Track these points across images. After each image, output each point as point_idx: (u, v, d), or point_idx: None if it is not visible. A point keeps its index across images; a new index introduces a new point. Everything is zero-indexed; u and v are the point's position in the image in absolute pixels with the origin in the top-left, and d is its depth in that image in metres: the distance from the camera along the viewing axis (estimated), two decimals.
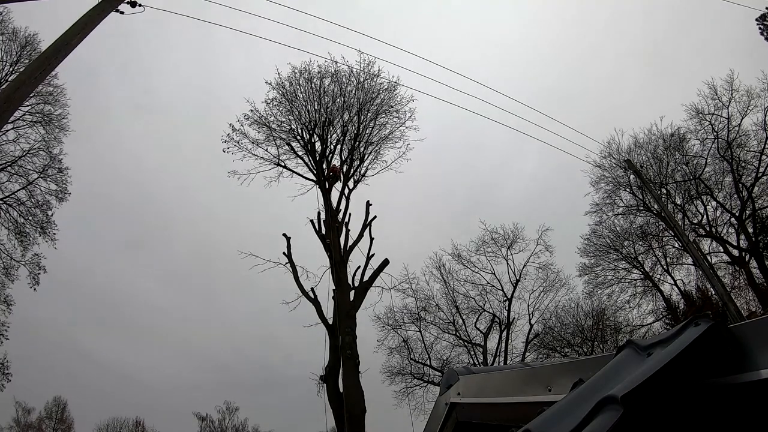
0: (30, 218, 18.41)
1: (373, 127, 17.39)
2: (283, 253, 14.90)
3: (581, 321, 24.56)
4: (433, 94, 18.30)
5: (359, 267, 14.49)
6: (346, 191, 16.25)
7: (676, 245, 23.16)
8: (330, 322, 13.52)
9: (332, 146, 17.16)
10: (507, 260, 23.93)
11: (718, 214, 23.16)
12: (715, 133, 21.69)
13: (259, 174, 16.95)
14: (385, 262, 14.50)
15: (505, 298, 23.55)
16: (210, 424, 37.43)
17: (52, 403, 35.54)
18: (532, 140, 17.45)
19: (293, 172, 17.06)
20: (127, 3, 8.22)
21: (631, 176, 22.21)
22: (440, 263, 24.72)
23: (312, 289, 14.07)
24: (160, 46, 61.46)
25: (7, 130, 17.35)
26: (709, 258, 22.13)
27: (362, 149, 17.25)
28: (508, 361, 21.63)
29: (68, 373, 41.35)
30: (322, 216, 15.33)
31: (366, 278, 14.29)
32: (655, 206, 22.02)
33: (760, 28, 20.57)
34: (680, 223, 21.61)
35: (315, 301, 13.86)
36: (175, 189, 56.58)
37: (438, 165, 52.83)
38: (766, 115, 20.63)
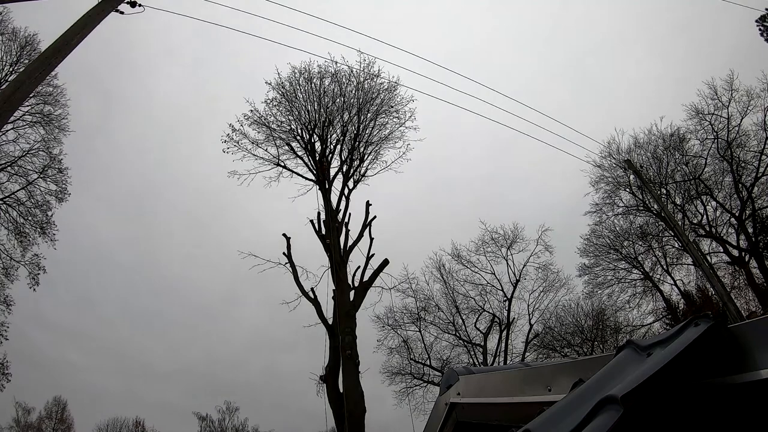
0: (30, 218, 18.41)
1: (373, 128, 17.40)
2: (283, 253, 14.90)
3: (581, 321, 24.60)
4: (433, 94, 18.33)
5: (359, 267, 14.50)
6: (346, 191, 16.26)
7: (676, 245, 23.17)
8: (330, 322, 13.51)
9: (332, 146, 17.16)
10: (507, 260, 23.98)
11: (718, 214, 23.19)
12: (715, 133, 21.70)
13: (259, 174, 16.97)
14: (385, 262, 14.50)
15: (505, 298, 23.58)
16: (210, 424, 37.40)
17: (52, 403, 35.55)
18: (531, 140, 17.43)
19: (293, 172, 17.06)
20: (127, 3, 8.21)
21: (631, 176, 22.22)
22: (440, 263, 24.79)
23: (312, 289, 14.07)
24: (158, 45, 61.32)
25: (7, 131, 17.36)
26: (709, 258, 22.15)
27: (362, 149, 17.25)
28: (508, 361, 21.63)
29: (68, 374, 41.39)
30: (322, 216, 15.32)
31: (366, 278, 14.29)
32: (655, 206, 22.02)
33: (760, 29, 20.58)
34: (680, 223, 21.61)
35: (315, 301, 13.85)
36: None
37: (440, 164, 52.90)
38: (766, 115, 20.65)
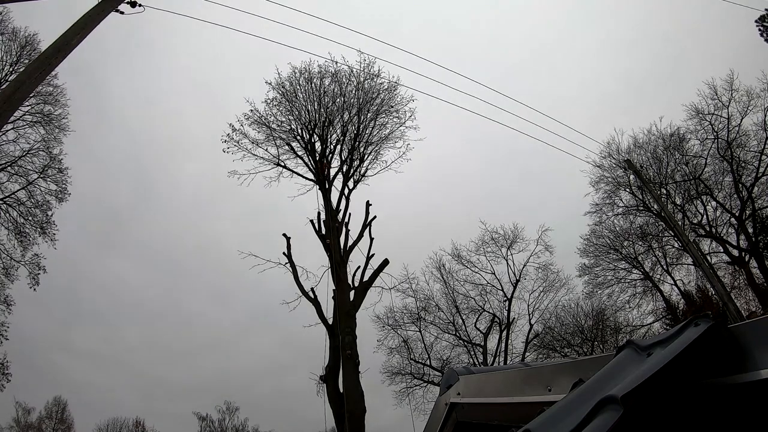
0: (30, 218, 18.42)
1: (373, 127, 17.39)
2: (283, 253, 14.90)
3: (581, 321, 24.60)
4: (433, 94, 18.33)
5: (359, 267, 14.50)
6: (346, 191, 16.26)
7: (676, 245, 23.17)
8: (330, 322, 13.51)
9: (332, 146, 17.15)
10: (507, 260, 23.97)
11: (718, 214, 23.20)
12: (715, 133, 21.70)
13: (259, 174, 16.97)
14: (385, 262, 14.50)
15: (505, 298, 23.58)
16: (210, 424, 37.39)
17: (52, 403, 35.52)
18: (531, 140, 17.42)
19: (293, 172, 17.06)
20: (127, 3, 8.21)
21: (631, 176, 22.22)
22: (440, 263, 24.79)
23: (312, 289, 14.07)
24: (159, 44, 61.32)
25: (7, 130, 17.35)
26: (709, 258, 22.14)
27: (362, 149, 17.24)
28: (508, 361, 21.63)
29: (68, 374, 41.46)
30: (322, 216, 15.33)
31: (366, 278, 14.29)
32: (655, 206, 22.02)
33: (759, 29, 20.61)
34: (680, 223, 21.61)
35: (315, 301, 13.85)
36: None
37: (440, 164, 52.99)
38: (766, 115, 20.66)
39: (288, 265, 14.75)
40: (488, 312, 23.83)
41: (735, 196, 22.32)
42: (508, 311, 23.25)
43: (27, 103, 16.78)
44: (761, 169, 21.33)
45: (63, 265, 38.34)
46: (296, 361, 39.28)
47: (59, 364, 41.79)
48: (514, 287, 23.49)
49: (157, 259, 53.17)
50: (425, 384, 23.31)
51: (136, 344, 47.85)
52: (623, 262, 24.70)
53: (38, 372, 37.92)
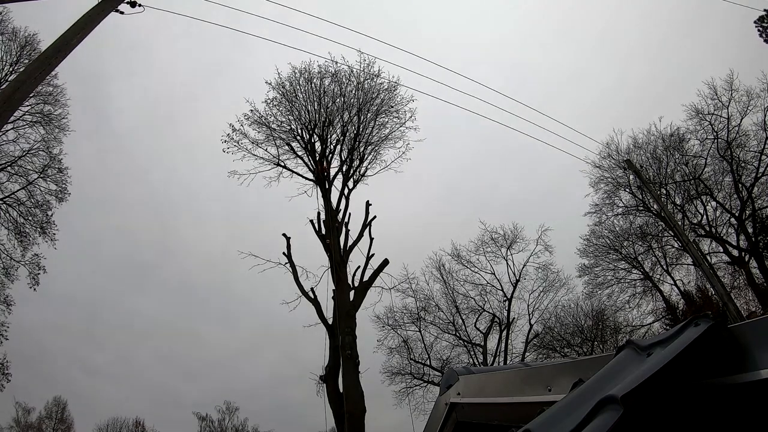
0: (30, 218, 18.41)
1: (373, 128, 17.38)
2: (283, 253, 14.91)
3: (581, 321, 24.60)
4: (433, 94, 18.34)
5: (359, 267, 14.50)
6: (346, 191, 16.26)
7: (676, 245, 23.16)
8: (330, 322, 13.51)
9: (332, 146, 17.15)
10: (507, 260, 23.97)
11: (717, 214, 23.19)
12: (714, 133, 21.69)
13: (259, 174, 16.98)
14: (385, 262, 14.50)
15: (505, 298, 23.58)
16: (210, 424, 37.40)
17: (52, 403, 35.55)
18: (531, 140, 17.43)
19: (293, 172, 17.06)
20: (127, 3, 8.21)
21: (631, 176, 22.21)
22: (440, 263, 24.79)
23: (312, 289, 14.07)
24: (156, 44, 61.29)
25: (7, 130, 17.34)
26: (709, 258, 22.13)
27: (362, 149, 17.23)
28: (508, 361, 21.63)
29: (68, 374, 41.51)
30: (322, 216, 15.33)
31: (366, 278, 14.29)
32: (655, 206, 22.01)
33: (758, 30, 20.62)
34: (680, 223, 21.60)
35: (315, 301, 13.86)
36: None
37: (439, 164, 53.05)
38: (766, 115, 20.65)
39: (288, 265, 14.77)
40: (488, 312, 23.85)
41: (735, 196, 22.32)
42: (508, 311, 23.28)
43: (27, 103, 16.79)
44: (761, 169, 21.33)
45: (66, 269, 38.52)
46: (297, 362, 39.30)
47: (59, 365, 42.02)
48: (514, 287, 23.52)
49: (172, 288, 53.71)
50: (425, 384, 23.34)
51: (138, 349, 48.00)
52: (623, 262, 24.70)
53: (39, 372, 38.01)
